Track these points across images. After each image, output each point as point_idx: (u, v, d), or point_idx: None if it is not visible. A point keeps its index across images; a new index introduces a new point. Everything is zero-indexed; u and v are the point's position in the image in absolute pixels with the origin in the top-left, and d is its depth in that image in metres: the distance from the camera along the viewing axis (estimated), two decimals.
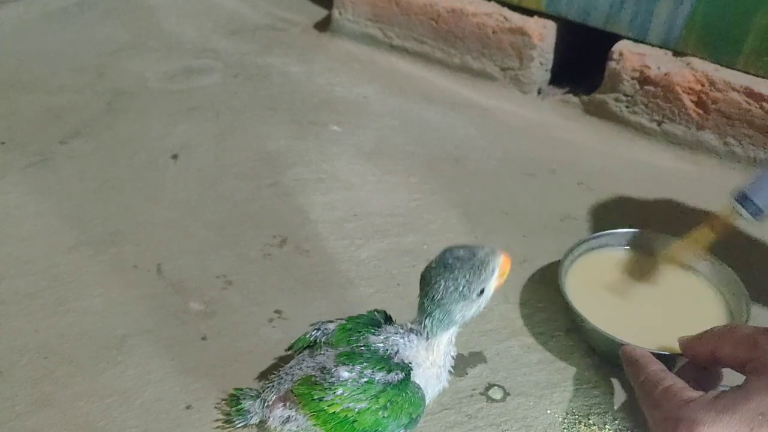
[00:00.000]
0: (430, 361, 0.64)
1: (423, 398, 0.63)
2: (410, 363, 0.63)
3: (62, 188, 1.06)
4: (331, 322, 0.68)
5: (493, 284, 0.60)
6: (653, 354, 0.72)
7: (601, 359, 0.83)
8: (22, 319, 0.84)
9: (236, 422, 0.69)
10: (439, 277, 0.59)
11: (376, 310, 0.68)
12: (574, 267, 0.89)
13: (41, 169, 1.10)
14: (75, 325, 0.84)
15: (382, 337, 0.64)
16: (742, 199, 0.79)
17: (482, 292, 0.59)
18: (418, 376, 0.63)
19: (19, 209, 1.01)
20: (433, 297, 0.59)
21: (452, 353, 0.65)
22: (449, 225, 1.03)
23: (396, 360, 0.63)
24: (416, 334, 0.63)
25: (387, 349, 0.63)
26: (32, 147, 1.14)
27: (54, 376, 0.78)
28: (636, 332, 0.80)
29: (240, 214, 1.03)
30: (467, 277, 0.58)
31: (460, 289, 0.58)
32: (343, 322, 0.67)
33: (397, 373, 0.62)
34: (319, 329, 0.68)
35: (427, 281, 0.60)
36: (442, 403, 0.76)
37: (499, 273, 0.60)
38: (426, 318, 0.61)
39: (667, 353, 0.75)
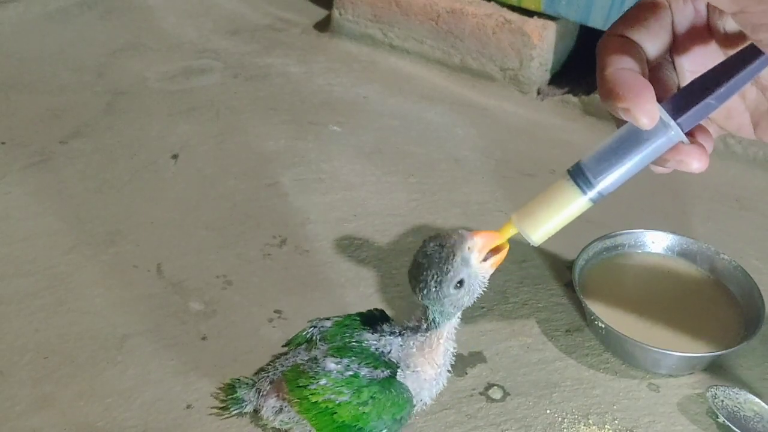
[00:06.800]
0: (428, 361, 0.63)
1: (409, 400, 0.62)
2: (399, 363, 0.63)
3: (62, 188, 1.06)
4: (328, 319, 0.68)
5: (476, 269, 0.55)
6: (677, 354, 0.77)
7: (614, 356, 0.83)
8: (23, 319, 0.84)
9: (231, 409, 0.71)
10: (414, 279, 0.56)
11: (375, 309, 0.68)
12: (588, 266, 0.89)
13: (41, 169, 1.10)
14: (75, 325, 0.84)
15: (376, 335, 0.64)
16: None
17: (461, 283, 0.55)
18: (409, 379, 0.63)
19: (19, 209, 1.01)
20: (419, 296, 0.57)
21: (452, 350, 0.64)
22: (449, 225, 1.03)
23: (386, 359, 0.63)
24: (413, 331, 0.62)
25: (379, 348, 0.63)
26: (32, 147, 1.14)
27: (54, 376, 0.78)
28: (648, 332, 0.81)
29: (240, 214, 1.03)
30: (435, 277, 0.55)
31: (433, 290, 0.55)
32: (340, 318, 0.67)
33: (383, 371, 0.62)
34: (315, 326, 0.68)
35: (409, 280, 0.57)
36: (441, 403, 0.76)
37: (477, 255, 0.54)
38: (426, 310, 0.59)
39: (694, 354, 0.77)
